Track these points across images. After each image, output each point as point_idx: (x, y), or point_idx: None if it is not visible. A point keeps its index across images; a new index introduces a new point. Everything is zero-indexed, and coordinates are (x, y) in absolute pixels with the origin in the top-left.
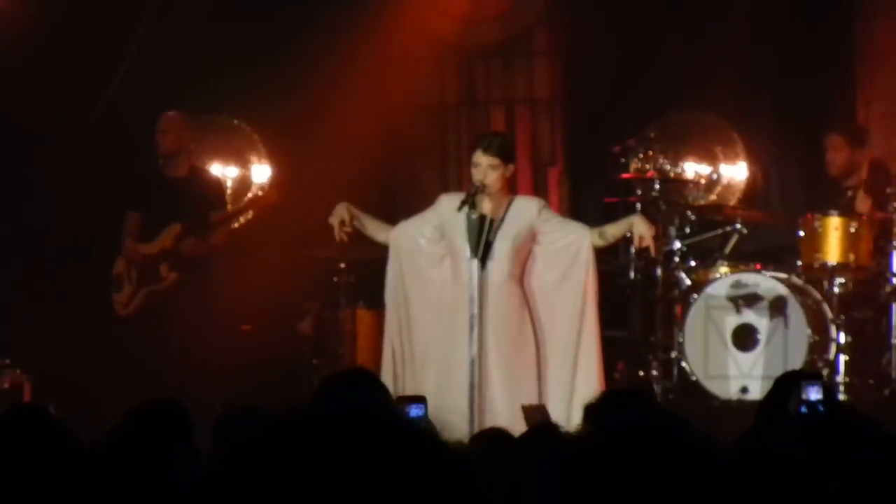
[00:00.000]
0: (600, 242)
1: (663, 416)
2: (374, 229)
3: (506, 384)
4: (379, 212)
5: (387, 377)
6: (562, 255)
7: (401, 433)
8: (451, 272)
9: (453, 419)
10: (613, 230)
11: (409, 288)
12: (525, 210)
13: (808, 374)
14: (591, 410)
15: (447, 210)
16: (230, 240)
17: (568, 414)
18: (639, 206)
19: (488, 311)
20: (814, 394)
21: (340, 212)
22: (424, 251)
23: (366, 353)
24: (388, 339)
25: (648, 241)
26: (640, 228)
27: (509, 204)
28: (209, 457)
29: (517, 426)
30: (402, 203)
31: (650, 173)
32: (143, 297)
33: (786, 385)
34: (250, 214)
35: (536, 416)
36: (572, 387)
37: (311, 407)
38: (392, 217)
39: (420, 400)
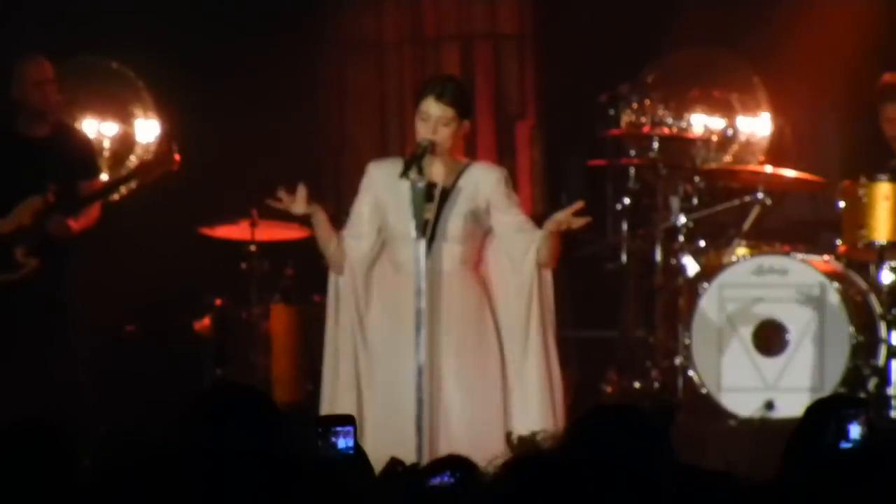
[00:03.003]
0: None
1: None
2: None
3: (464, 399)
4: (300, 179)
5: (348, 401)
6: (505, 260)
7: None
8: (389, 262)
9: (397, 446)
10: (542, 250)
11: (361, 301)
12: (482, 179)
13: (847, 400)
14: (574, 432)
15: (379, 181)
16: (103, 216)
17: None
18: (632, 170)
19: (440, 305)
20: (856, 429)
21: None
22: (374, 253)
23: (283, 359)
24: (346, 353)
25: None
26: (557, 223)
27: (462, 170)
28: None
29: (479, 453)
30: (329, 169)
31: (646, 128)
32: None
33: (820, 415)
34: (133, 184)
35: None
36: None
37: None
38: (316, 192)
39: (347, 421)
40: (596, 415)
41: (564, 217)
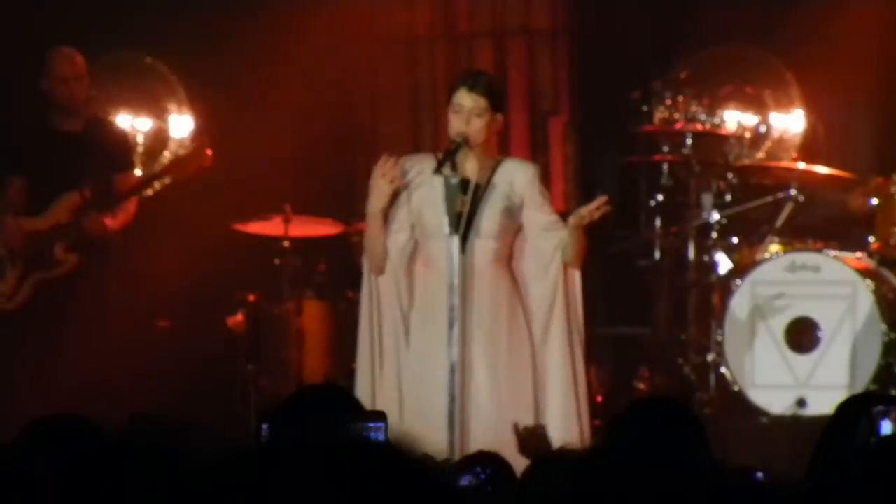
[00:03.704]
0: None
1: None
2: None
3: (496, 395)
4: (332, 176)
5: (390, 399)
6: (532, 260)
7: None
8: (421, 258)
9: (429, 441)
10: (568, 247)
11: (404, 298)
12: (516, 175)
13: (879, 397)
14: (613, 425)
15: (411, 176)
16: (139, 213)
17: (573, 435)
18: (665, 166)
19: (473, 301)
20: (888, 426)
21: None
22: (411, 246)
23: (316, 355)
24: (389, 351)
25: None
26: (580, 217)
27: (496, 166)
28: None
29: (510, 449)
30: (361, 165)
31: (680, 125)
32: (31, 286)
33: (851, 413)
34: (167, 180)
35: (533, 441)
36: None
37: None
38: (349, 188)
39: (378, 417)
40: (638, 408)
41: (588, 211)
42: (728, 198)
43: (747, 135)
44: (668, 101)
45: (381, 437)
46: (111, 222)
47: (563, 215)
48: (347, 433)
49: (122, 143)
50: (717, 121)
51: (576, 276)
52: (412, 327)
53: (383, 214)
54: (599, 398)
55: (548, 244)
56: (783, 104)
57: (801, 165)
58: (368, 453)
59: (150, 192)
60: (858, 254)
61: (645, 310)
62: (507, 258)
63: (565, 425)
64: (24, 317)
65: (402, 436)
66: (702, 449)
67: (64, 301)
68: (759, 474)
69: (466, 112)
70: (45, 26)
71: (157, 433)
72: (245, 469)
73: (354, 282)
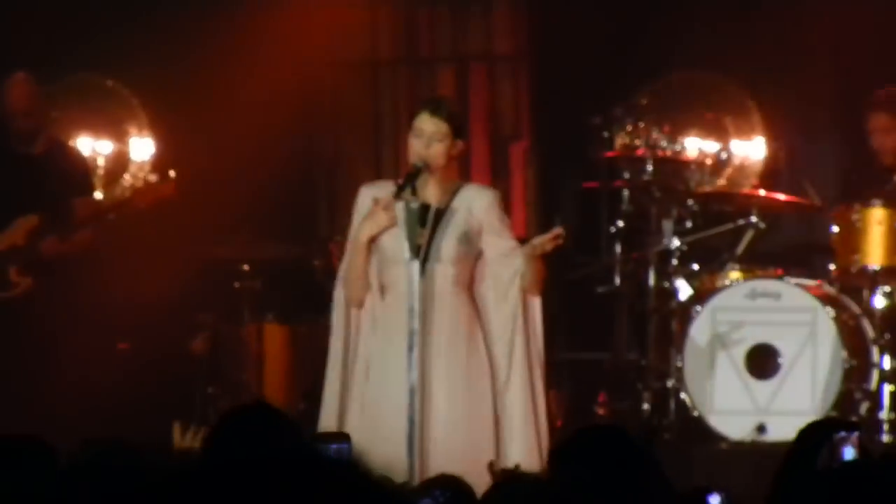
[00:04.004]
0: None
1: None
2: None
3: (455, 420)
4: (294, 200)
5: (354, 428)
6: (492, 286)
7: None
8: (380, 283)
9: (388, 465)
10: (525, 275)
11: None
12: (475, 200)
13: (839, 423)
14: (559, 455)
15: (372, 204)
16: (101, 236)
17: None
18: (626, 192)
19: (432, 326)
20: (849, 452)
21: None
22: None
23: (276, 378)
24: (358, 379)
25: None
26: (534, 248)
27: (456, 191)
28: None
29: (470, 473)
30: (323, 189)
31: (641, 151)
32: None
33: (812, 438)
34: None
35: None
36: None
37: (203, 458)
38: (310, 211)
39: (342, 438)
40: (581, 437)
41: (542, 242)
42: (689, 224)
43: (708, 161)
44: (630, 128)
45: (344, 458)
46: (69, 246)
47: (523, 241)
48: (284, 452)
49: (82, 167)
50: (678, 147)
51: (535, 301)
52: (372, 351)
53: (369, 245)
54: (559, 423)
55: (506, 270)
56: (744, 131)
57: (762, 192)
58: (331, 471)
59: (110, 215)
60: (819, 281)
61: (605, 335)
62: (468, 283)
63: (524, 450)
64: None
65: (361, 459)
66: (647, 474)
67: (17, 324)
68: (714, 497)
69: (427, 137)
70: (6, 47)
71: (111, 455)
72: (199, 487)
73: (315, 305)
